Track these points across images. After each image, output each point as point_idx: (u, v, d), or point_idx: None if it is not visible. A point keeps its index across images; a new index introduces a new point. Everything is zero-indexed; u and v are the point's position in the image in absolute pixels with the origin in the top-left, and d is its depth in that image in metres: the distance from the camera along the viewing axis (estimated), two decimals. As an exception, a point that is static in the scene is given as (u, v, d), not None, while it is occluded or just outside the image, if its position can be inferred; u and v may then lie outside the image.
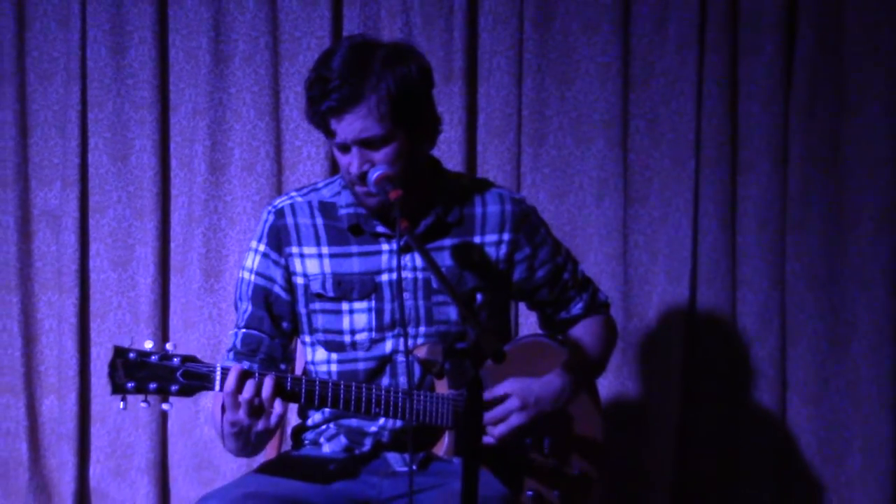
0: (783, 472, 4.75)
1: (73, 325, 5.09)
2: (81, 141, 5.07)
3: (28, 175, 5.15)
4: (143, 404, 3.15)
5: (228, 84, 4.98)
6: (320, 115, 3.31)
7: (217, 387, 3.16)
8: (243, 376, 3.15)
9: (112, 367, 3.10)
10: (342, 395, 3.26)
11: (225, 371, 3.16)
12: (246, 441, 3.25)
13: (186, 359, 3.14)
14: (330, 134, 3.34)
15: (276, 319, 3.55)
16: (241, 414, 3.16)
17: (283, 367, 3.55)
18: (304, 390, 3.24)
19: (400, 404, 3.32)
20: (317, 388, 3.25)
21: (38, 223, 5.18)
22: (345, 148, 3.33)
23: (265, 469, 3.54)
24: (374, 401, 3.29)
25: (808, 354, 4.72)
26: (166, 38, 5.04)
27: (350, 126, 3.28)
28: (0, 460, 5.25)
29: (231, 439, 3.26)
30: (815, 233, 4.68)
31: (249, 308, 3.55)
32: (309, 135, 4.77)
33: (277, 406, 3.19)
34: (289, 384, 3.22)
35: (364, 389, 3.28)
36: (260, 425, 3.19)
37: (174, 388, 3.13)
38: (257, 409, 3.17)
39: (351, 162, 3.33)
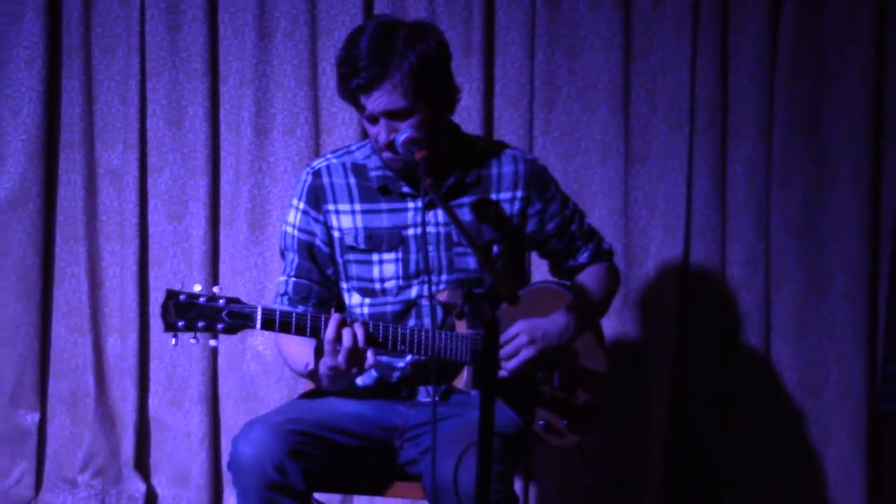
0: (768, 403, 4.74)
1: (133, 273, 5.11)
2: (140, 108, 5.08)
3: (93, 138, 5.17)
4: (192, 341, 3.17)
5: (271, 57, 4.98)
6: (350, 91, 3.35)
7: (258, 325, 3.18)
8: (342, 325, 3.20)
9: (164, 307, 3.14)
10: (370, 333, 3.27)
11: (267, 312, 3.18)
12: (338, 382, 3.33)
13: (231, 300, 3.16)
14: (360, 107, 3.38)
15: (321, 268, 3.58)
16: (341, 360, 3.21)
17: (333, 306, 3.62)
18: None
19: (424, 342, 3.33)
20: None
21: (103, 181, 5.19)
22: (373, 119, 3.37)
23: (304, 398, 3.56)
24: (400, 339, 3.29)
25: (790, 299, 4.70)
26: (216, 16, 5.03)
27: (378, 101, 3.31)
28: (69, 392, 5.29)
29: (326, 380, 3.33)
30: (796, 191, 4.66)
31: (296, 259, 3.59)
32: (343, 102, 4.74)
33: (370, 357, 3.25)
34: (323, 324, 3.23)
35: (391, 329, 3.28)
36: (355, 371, 3.25)
37: (220, 326, 3.15)
38: (354, 355, 3.20)
39: (379, 132, 3.36)
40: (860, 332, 4.65)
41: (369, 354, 3.24)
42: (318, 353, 3.28)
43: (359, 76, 3.28)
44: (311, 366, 3.34)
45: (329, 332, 3.19)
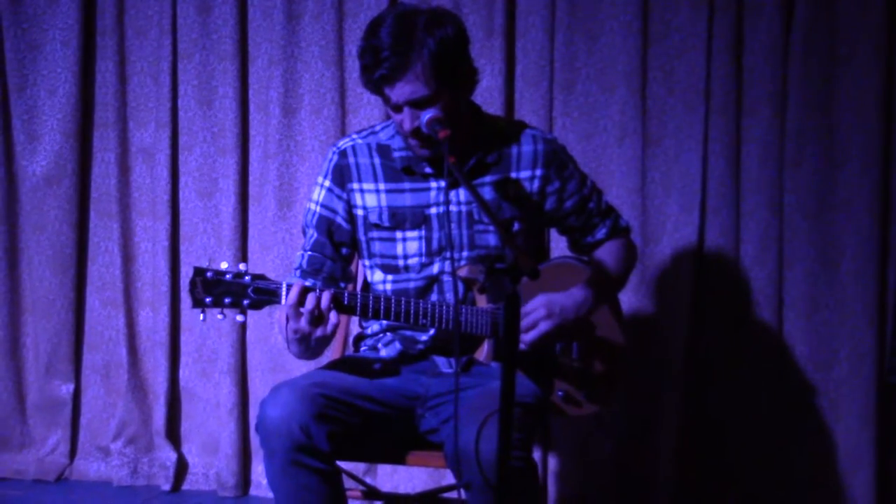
0: (780, 377, 4.75)
1: (165, 248, 5.16)
2: (172, 88, 5.12)
3: (126, 117, 5.21)
4: (219, 316, 3.18)
5: (299, 38, 5.00)
6: (374, 82, 3.36)
7: (283, 301, 3.19)
8: (304, 291, 3.19)
9: (192, 284, 3.15)
10: (393, 309, 3.30)
11: (290, 287, 3.18)
12: (307, 346, 3.30)
13: (257, 277, 3.17)
14: (384, 97, 3.38)
15: (336, 245, 3.60)
16: (303, 322, 3.20)
17: (342, 284, 3.59)
18: (359, 304, 3.28)
19: (445, 316, 3.34)
20: (370, 302, 3.28)
21: (135, 159, 5.24)
22: (397, 108, 3.38)
23: (329, 367, 3.59)
24: (421, 313, 3.32)
25: (801, 276, 4.70)
26: (245, -1, 5.07)
27: (401, 91, 3.31)
28: (103, 363, 5.34)
29: (294, 344, 3.31)
30: (809, 169, 4.65)
31: (315, 234, 3.60)
32: (368, 86, 4.80)
33: (333, 317, 3.22)
34: (346, 299, 3.26)
35: (412, 304, 3.31)
36: (318, 332, 3.23)
37: (246, 302, 3.16)
38: (317, 318, 3.20)
39: (403, 119, 3.37)
40: (870, 308, 4.65)
41: (332, 315, 3.23)
42: (287, 318, 3.27)
43: (381, 67, 3.29)
44: (282, 333, 3.36)
45: (291, 298, 3.19)
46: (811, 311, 4.73)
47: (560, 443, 4.93)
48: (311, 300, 3.19)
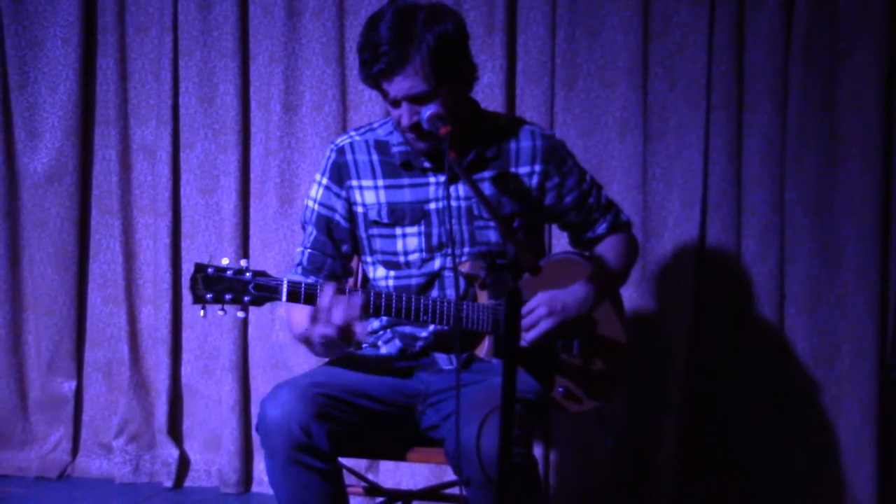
0: (781, 373, 4.74)
1: (166, 245, 5.16)
2: (173, 85, 5.12)
3: (127, 115, 5.22)
4: (220, 313, 3.18)
5: (300, 35, 5.00)
6: (372, 77, 3.36)
7: (283, 297, 3.18)
8: (337, 293, 3.19)
9: (193, 281, 3.14)
10: (394, 305, 3.30)
11: (293, 285, 3.18)
12: (329, 351, 3.33)
13: (257, 273, 3.16)
14: (383, 92, 3.39)
15: (336, 243, 3.61)
16: (332, 331, 3.18)
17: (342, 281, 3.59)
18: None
19: (446, 312, 3.34)
20: (371, 299, 3.27)
21: (137, 156, 5.24)
22: (396, 103, 3.38)
23: (330, 365, 3.59)
24: (422, 309, 3.31)
25: (803, 271, 4.70)
26: (246, -5, 5.08)
27: (399, 85, 3.32)
28: (105, 360, 5.35)
29: (318, 346, 3.30)
30: (810, 165, 4.66)
31: (314, 232, 3.61)
32: (368, 82, 4.80)
33: (359, 330, 3.22)
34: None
35: (413, 300, 3.31)
36: (345, 346, 3.25)
37: (246, 298, 3.15)
38: (346, 331, 3.19)
39: (402, 115, 3.38)
40: (872, 303, 4.65)
41: (359, 328, 3.23)
42: (314, 320, 3.26)
43: (380, 62, 3.29)
44: (307, 331, 3.32)
45: (323, 300, 3.18)
46: (812, 307, 4.73)
47: (561, 439, 4.93)
48: (339, 314, 3.17)
